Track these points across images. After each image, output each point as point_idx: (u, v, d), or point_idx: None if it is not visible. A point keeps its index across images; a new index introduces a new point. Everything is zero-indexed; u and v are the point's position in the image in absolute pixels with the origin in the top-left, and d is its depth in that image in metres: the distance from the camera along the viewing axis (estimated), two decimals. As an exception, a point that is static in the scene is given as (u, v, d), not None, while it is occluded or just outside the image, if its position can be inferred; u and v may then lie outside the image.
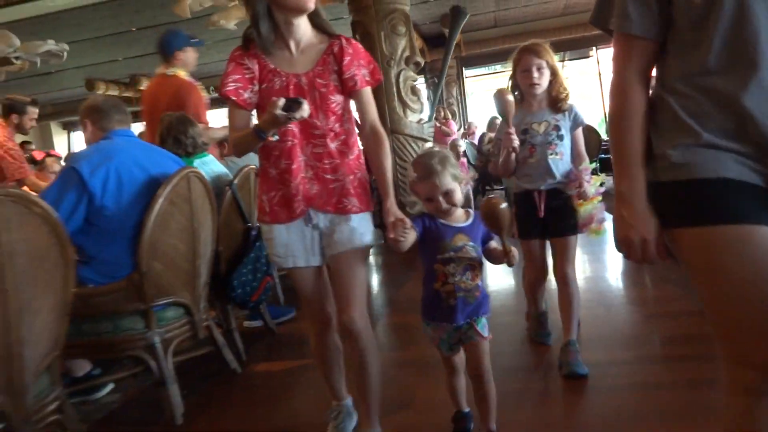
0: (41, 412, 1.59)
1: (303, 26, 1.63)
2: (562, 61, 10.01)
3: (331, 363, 1.83)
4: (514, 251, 1.62)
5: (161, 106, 3.17)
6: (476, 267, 1.65)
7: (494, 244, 1.68)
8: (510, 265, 1.64)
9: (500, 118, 2.33)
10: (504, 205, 1.59)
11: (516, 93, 2.31)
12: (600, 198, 2.28)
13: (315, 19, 1.66)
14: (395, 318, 3.33)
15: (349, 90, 1.66)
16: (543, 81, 2.25)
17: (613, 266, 3.78)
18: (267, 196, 1.68)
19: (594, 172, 2.24)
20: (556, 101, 2.28)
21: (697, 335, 2.36)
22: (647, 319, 2.83)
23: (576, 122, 2.30)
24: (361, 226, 1.69)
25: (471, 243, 1.64)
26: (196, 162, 2.81)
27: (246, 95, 1.63)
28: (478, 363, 1.68)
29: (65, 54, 6.65)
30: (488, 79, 12.52)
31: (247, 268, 2.74)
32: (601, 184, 2.30)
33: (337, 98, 1.65)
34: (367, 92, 1.70)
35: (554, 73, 2.27)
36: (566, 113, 2.29)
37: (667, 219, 1.04)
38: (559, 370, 2.19)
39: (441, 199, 1.61)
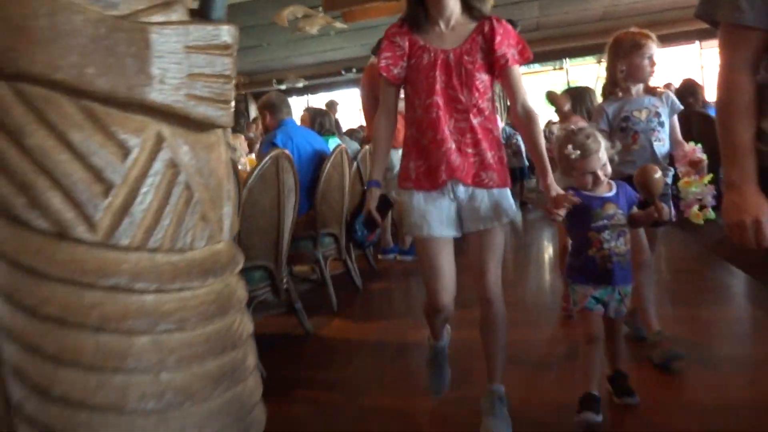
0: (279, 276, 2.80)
1: (451, 5, 1.71)
2: (599, 62, 10.96)
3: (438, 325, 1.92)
4: (665, 208, 1.75)
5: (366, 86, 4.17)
6: (627, 233, 1.77)
7: (636, 209, 1.81)
8: (663, 222, 1.79)
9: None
10: (658, 174, 1.76)
11: (621, 76, 2.31)
12: (710, 177, 2.19)
13: (467, 0, 1.74)
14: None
15: (500, 68, 1.73)
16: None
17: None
18: (414, 164, 1.77)
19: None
20: (652, 88, 2.35)
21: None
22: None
23: (673, 108, 2.34)
24: (502, 201, 1.76)
25: (620, 211, 1.76)
26: (330, 141, 4.02)
27: (395, 71, 1.76)
28: (617, 332, 1.88)
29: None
30: (528, 76, 13.55)
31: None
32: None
33: (482, 76, 1.72)
34: (517, 71, 1.75)
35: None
36: (663, 99, 2.33)
37: None
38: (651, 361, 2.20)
39: (600, 172, 1.76)
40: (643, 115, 2.28)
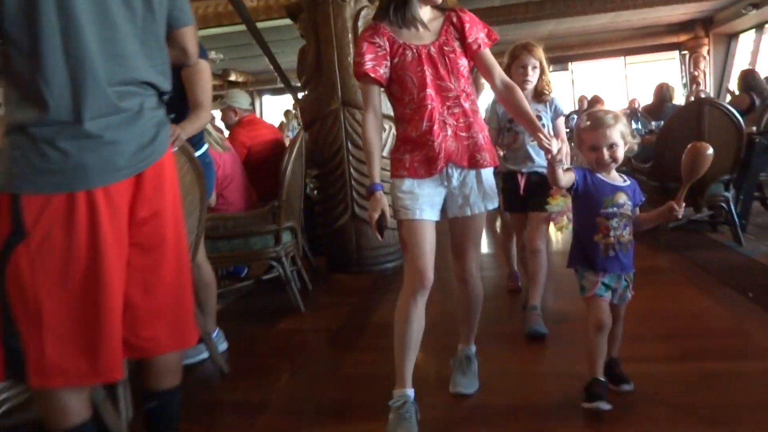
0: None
1: (422, 5, 1.88)
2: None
3: (410, 336, 1.85)
4: (682, 206, 1.76)
5: None
6: (632, 224, 1.83)
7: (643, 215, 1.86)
8: (675, 217, 1.79)
9: None
10: (710, 151, 1.72)
11: None
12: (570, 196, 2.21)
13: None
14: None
15: (473, 53, 1.89)
16: (534, 78, 2.59)
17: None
18: (410, 155, 1.87)
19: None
20: (540, 93, 2.61)
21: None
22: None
23: (556, 112, 2.62)
24: (488, 183, 1.92)
25: (630, 202, 1.82)
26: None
27: (382, 71, 1.85)
28: (619, 318, 1.90)
29: (218, 60, 10.38)
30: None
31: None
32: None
33: (463, 62, 1.88)
34: (488, 52, 1.92)
35: (542, 70, 2.61)
36: (548, 104, 2.63)
37: None
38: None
39: (605, 150, 1.78)
40: None
